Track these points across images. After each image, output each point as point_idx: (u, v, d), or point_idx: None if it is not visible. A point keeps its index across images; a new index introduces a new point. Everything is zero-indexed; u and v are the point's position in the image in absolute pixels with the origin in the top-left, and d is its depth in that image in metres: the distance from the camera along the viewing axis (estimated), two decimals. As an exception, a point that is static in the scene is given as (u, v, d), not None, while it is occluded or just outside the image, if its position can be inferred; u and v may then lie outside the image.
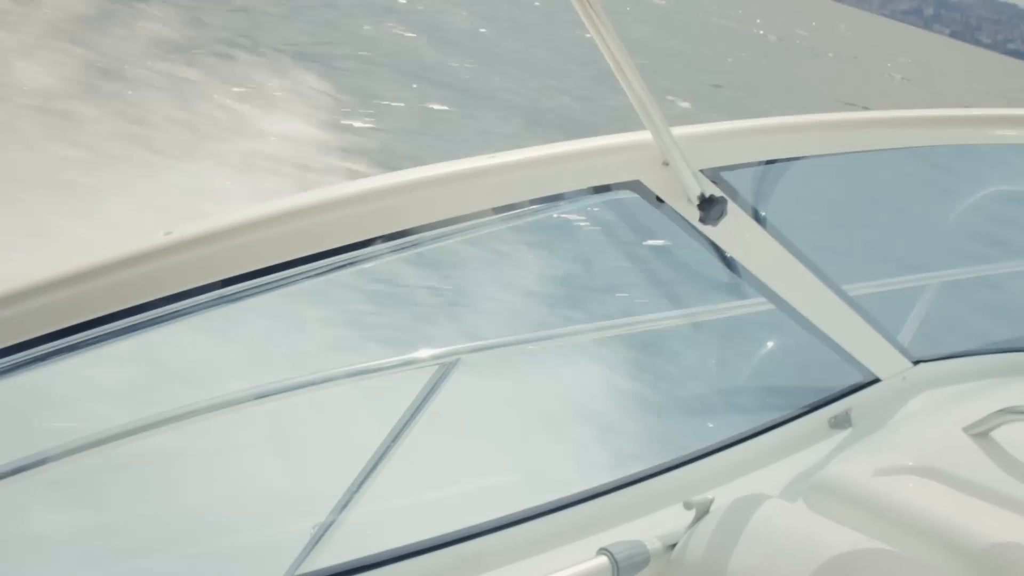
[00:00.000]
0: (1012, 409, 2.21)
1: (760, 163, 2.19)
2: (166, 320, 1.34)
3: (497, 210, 1.72)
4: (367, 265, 1.57)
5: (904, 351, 2.72)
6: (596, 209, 2.00)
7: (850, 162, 2.40)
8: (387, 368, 1.94)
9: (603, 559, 1.88)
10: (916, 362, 2.76)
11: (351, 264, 1.53)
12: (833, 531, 1.88)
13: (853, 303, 2.48)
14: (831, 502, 2.08)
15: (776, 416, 2.55)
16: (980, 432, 2.23)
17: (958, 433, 2.26)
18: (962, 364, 2.91)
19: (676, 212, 1.98)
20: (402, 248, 1.60)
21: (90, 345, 1.28)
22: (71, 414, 3.13)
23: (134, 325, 1.31)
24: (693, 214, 1.99)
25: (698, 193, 1.96)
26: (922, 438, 2.33)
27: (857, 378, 2.66)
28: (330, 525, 1.98)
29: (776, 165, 2.23)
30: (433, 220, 1.61)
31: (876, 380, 2.66)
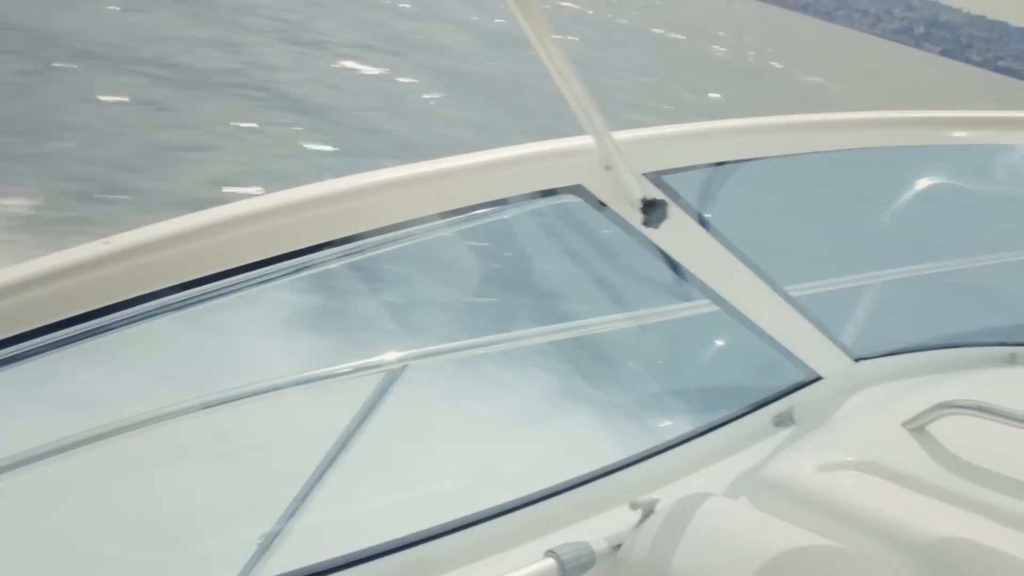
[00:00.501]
0: (948, 403, 2.29)
1: (703, 166, 2.25)
2: (105, 331, 1.35)
3: (443, 215, 1.76)
4: (312, 272, 1.60)
5: (846, 349, 2.80)
6: (542, 213, 2.04)
7: (793, 163, 2.47)
8: (334, 375, 1.96)
9: (550, 561, 1.92)
10: (858, 360, 2.84)
11: (297, 271, 1.55)
12: (776, 527, 1.94)
13: (795, 303, 2.55)
14: (774, 499, 2.14)
15: (721, 416, 2.62)
16: (918, 427, 2.31)
17: (897, 428, 2.34)
18: (902, 361, 3.01)
19: (618, 216, 2.04)
20: (347, 255, 1.63)
21: (29, 357, 1.29)
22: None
23: (75, 335, 1.32)
24: (636, 217, 2.04)
25: (640, 197, 2.01)
26: (863, 434, 2.40)
27: (800, 377, 2.74)
28: (277, 534, 2.00)
29: (719, 168, 2.29)
30: (377, 226, 1.64)
31: (819, 378, 2.74)
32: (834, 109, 2.50)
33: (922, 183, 3.97)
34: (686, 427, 2.55)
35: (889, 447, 2.27)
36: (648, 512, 2.04)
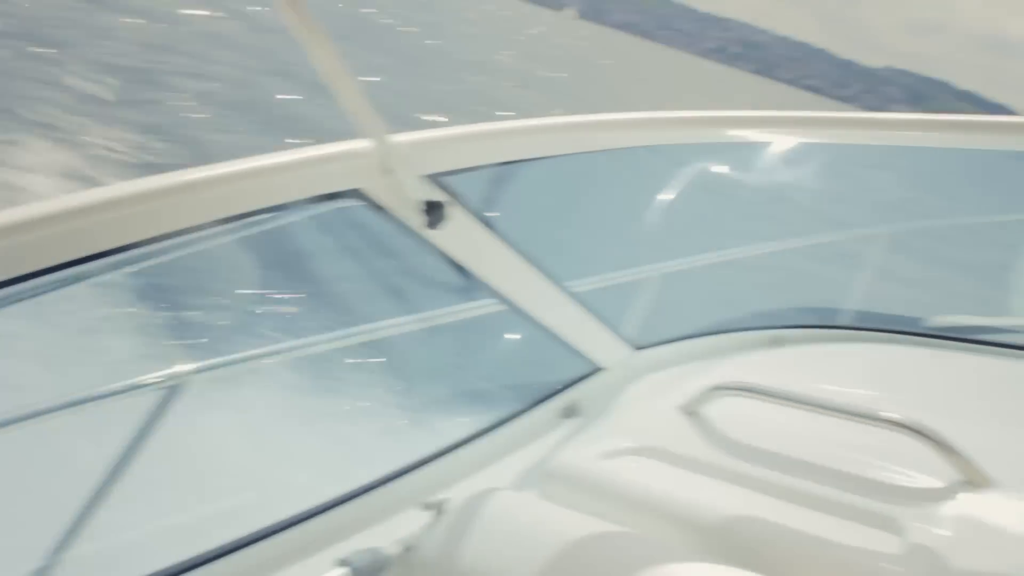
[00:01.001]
0: (719, 386, 2.47)
1: (485, 167, 2.34)
2: None
3: (220, 222, 1.75)
4: (83, 284, 1.56)
5: (626, 340, 2.99)
6: (326, 217, 2.07)
7: (575, 162, 2.61)
8: (108, 395, 1.91)
9: (342, 570, 1.95)
10: (639, 349, 3.04)
11: (62, 285, 1.51)
12: (563, 516, 2.04)
13: (576, 298, 2.71)
14: (561, 489, 2.24)
15: (509, 411, 2.74)
16: (693, 410, 2.49)
17: (674, 412, 2.51)
18: (679, 348, 3.23)
19: (399, 219, 2.09)
20: (120, 265, 1.60)
21: None
22: None
23: None
24: (416, 220, 2.11)
25: (420, 199, 2.08)
26: (642, 420, 2.56)
27: (585, 368, 2.91)
28: (45, 570, 1.93)
29: (504, 168, 2.39)
30: (152, 235, 1.61)
31: (602, 369, 2.91)
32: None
33: (695, 178, 4.27)
34: (476, 426, 2.65)
35: (667, 431, 2.43)
36: (439, 512, 2.10)
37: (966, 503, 2.02)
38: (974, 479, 2.06)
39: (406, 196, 2.06)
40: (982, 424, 2.45)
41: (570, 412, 2.82)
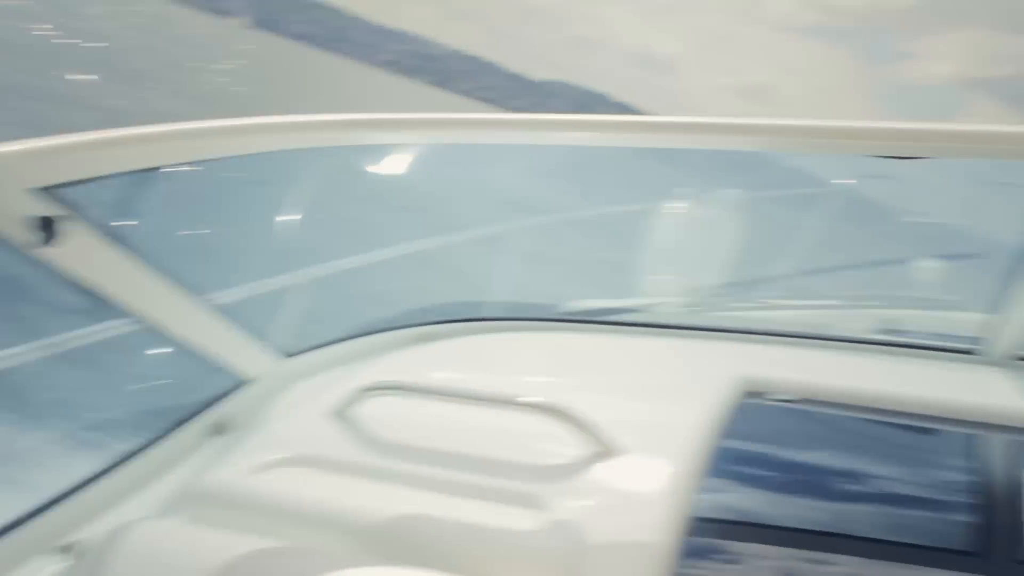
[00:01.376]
0: (367, 387, 2.52)
1: (107, 177, 2.20)
2: None
3: None
4: None
5: (274, 349, 2.94)
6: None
7: (215, 169, 2.52)
8: None
9: None
10: (288, 357, 3.01)
11: None
12: (214, 539, 1.97)
13: (217, 310, 2.62)
14: (212, 511, 2.16)
15: (151, 436, 2.59)
16: (344, 413, 2.52)
17: (325, 418, 2.52)
18: (330, 352, 3.23)
19: (6, 238, 1.92)
20: None
21: None
22: None
23: None
24: (26, 238, 1.95)
25: (29, 215, 1.92)
26: (293, 429, 2.54)
27: (232, 382, 2.82)
28: None
29: (138, 176, 2.26)
30: None
31: (250, 381, 2.84)
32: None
33: (339, 182, 4.30)
34: (113, 457, 2.48)
35: (319, 437, 2.43)
36: (78, 554, 1.96)
37: (599, 473, 2.22)
38: (605, 450, 2.26)
39: (11, 212, 1.89)
40: (611, 397, 2.69)
41: (219, 429, 2.73)
